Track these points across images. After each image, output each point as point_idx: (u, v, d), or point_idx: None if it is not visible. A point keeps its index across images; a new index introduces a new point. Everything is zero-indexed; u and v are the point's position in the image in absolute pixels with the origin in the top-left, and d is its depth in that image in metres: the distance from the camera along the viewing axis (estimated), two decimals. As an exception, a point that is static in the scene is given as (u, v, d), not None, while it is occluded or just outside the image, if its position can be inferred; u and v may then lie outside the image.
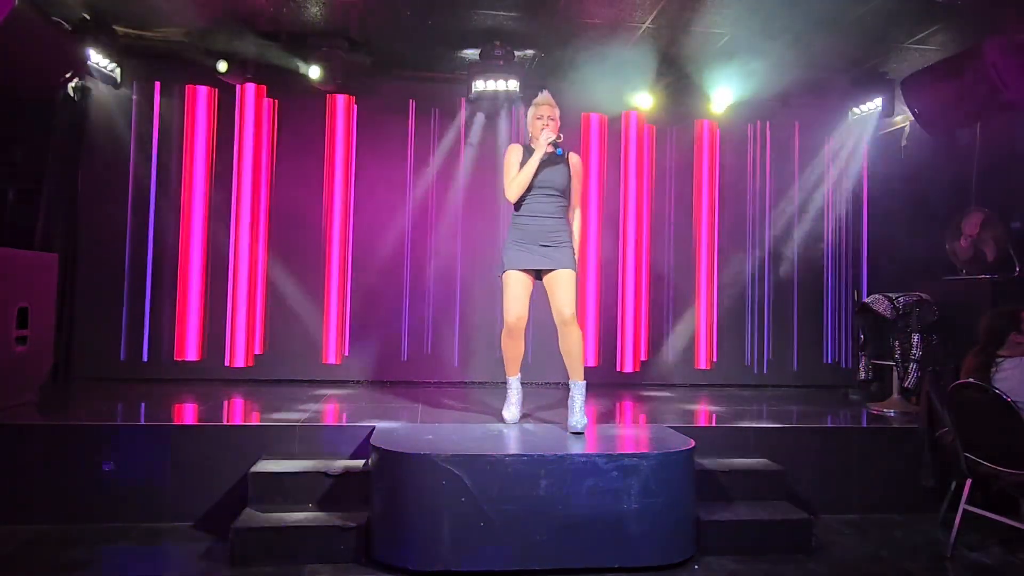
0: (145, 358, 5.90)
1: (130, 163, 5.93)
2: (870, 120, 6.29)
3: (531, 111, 4.07)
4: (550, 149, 3.91)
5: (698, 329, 6.61)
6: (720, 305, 6.64)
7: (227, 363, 6.00)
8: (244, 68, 5.64)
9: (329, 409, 4.78)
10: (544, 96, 4.06)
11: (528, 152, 3.98)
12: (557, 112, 4.04)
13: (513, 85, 5.73)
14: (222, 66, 5.59)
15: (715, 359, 6.59)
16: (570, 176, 4.04)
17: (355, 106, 6.24)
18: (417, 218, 6.32)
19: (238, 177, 6.08)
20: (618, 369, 6.48)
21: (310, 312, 6.13)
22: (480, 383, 6.15)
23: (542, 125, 3.97)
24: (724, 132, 6.67)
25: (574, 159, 4.09)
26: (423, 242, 6.31)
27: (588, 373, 4.04)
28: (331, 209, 6.22)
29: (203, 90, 6.02)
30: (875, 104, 6.08)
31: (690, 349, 6.59)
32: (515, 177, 3.93)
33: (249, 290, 6.07)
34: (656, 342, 6.55)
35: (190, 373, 5.90)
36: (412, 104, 6.31)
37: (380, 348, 6.22)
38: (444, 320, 6.31)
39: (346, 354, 6.19)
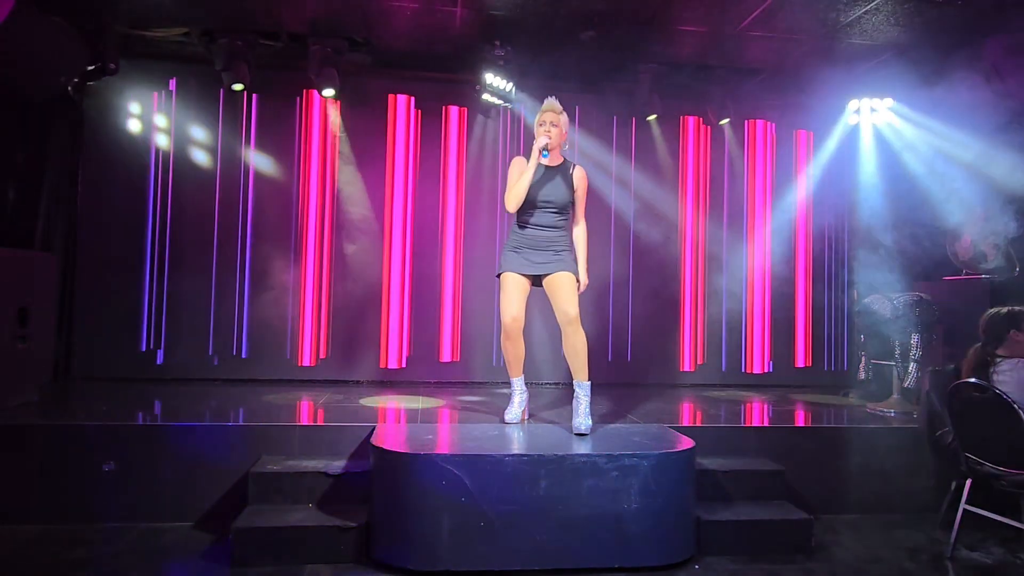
0: (145, 358, 5.89)
1: (130, 163, 5.93)
2: (870, 119, 6.30)
3: (536, 118, 4.04)
4: (538, 156, 3.88)
5: (701, 329, 6.63)
6: (724, 306, 6.65)
7: (228, 363, 6.00)
8: (247, 69, 5.63)
9: (329, 409, 4.78)
10: (549, 102, 4.01)
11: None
12: (562, 118, 3.99)
13: (512, 86, 5.75)
14: (238, 87, 5.61)
15: (719, 359, 6.61)
16: (573, 190, 4.01)
17: (357, 106, 6.24)
18: (420, 218, 6.31)
19: (240, 177, 6.09)
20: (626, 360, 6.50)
21: (312, 313, 6.13)
22: (480, 383, 6.15)
23: (543, 131, 3.95)
24: (727, 131, 6.69)
25: (578, 173, 4.04)
26: (426, 242, 6.31)
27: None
28: (335, 210, 6.20)
29: (204, 89, 6.00)
30: (875, 103, 6.09)
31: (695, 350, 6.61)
32: (511, 188, 3.94)
33: (251, 291, 6.07)
34: (659, 343, 6.56)
35: (191, 373, 5.90)
36: (413, 104, 6.31)
37: (380, 348, 6.22)
38: (445, 320, 6.30)
39: (349, 354, 6.19)
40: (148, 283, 5.94)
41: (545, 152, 3.92)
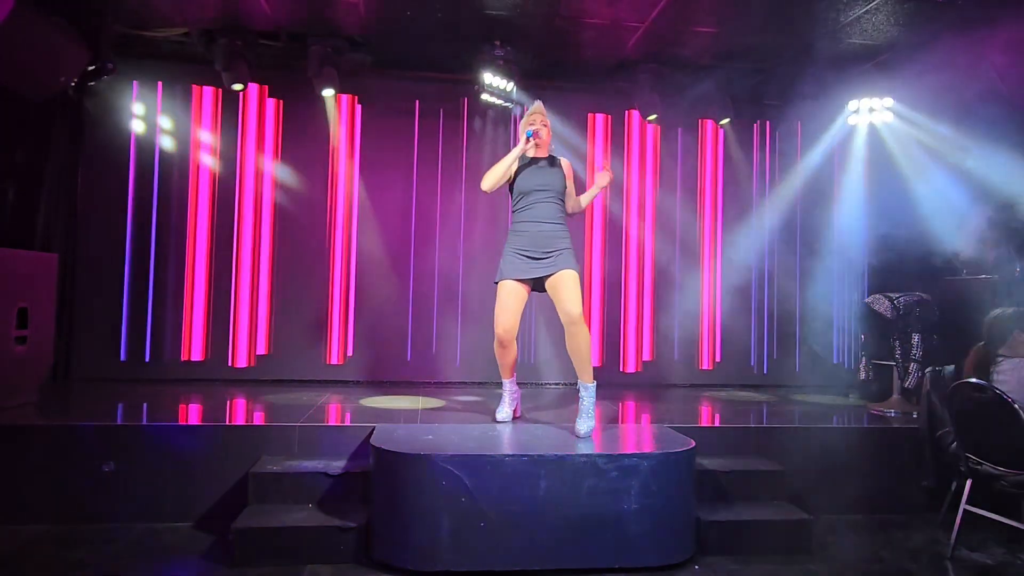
0: (145, 358, 5.89)
1: (130, 163, 5.93)
2: (869, 118, 6.30)
3: (523, 119, 4.18)
4: (524, 142, 3.99)
5: (701, 330, 6.63)
6: (724, 306, 6.65)
7: (229, 363, 6.00)
8: (247, 69, 5.64)
9: (329, 409, 4.78)
10: (537, 105, 4.18)
11: (521, 160, 4.09)
12: (547, 122, 4.15)
13: (513, 86, 5.76)
14: (238, 87, 5.66)
15: (718, 359, 6.62)
16: (565, 179, 4.11)
17: (358, 106, 6.26)
18: (420, 219, 6.31)
19: (241, 177, 6.09)
20: (620, 369, 6.50)
21: (312, 313, 6.14)
22: (480, 383, 6.15)
23: (532, 124, 4.08)
24: (726, 131, 6.69)
25: (565, 163, 4.18)
26: (425, 243, 6.31)
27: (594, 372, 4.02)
28: (335, 210, 6.22)
29: (205, 89, 6.02)
30: (874, 102, 6.09)
31: (692, 349, 6.61)
32: (494, 168, 4.04)
33: (252, 291, 6.07)
34: (658, 342, 6.56)
35: (190, 373, 5.90)
36: (415, 104, 6.31)
37: (381, 349, 6.22)
38: (445, 320, 6.30)
39: (349, 354, 6.19)
40: (149, 283, 5.93)
41: (528, 132, 4.00)
